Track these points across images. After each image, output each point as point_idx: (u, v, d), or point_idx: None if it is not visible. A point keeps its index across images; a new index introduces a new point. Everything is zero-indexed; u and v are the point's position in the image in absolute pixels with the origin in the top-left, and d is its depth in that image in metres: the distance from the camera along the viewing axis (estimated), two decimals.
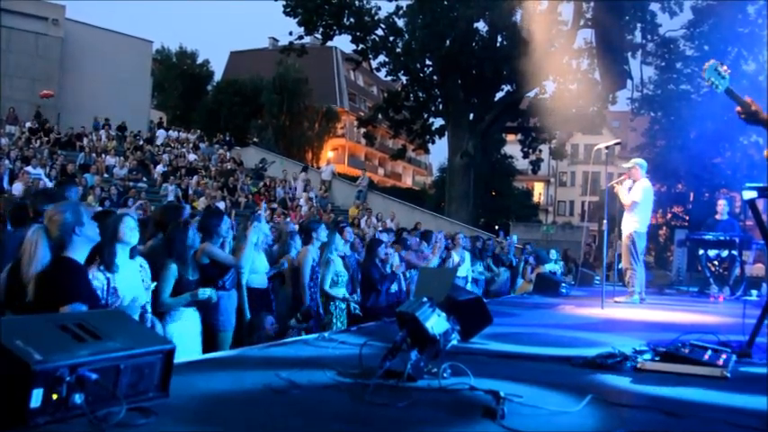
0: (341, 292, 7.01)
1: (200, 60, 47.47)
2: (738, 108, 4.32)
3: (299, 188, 24.44)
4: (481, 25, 27.25)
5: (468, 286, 9.53)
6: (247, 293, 5.97)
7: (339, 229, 7.62)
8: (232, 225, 6.68)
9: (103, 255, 4.03)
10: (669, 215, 28.70)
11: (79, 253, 3.46)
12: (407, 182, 59.54)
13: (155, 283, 4.65)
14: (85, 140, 24.31)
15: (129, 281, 4.21)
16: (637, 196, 8.56)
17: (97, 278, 3.97)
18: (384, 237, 9.15)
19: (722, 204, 11.35)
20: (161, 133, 29.38)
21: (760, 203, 4.58)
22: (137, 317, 4.15)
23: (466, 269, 10.02)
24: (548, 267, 11.67)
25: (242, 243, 6.09)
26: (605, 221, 8.39)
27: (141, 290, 4.29)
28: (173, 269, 4.83)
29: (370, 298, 7.53)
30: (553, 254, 12.26)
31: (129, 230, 4.22)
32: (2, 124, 23.79)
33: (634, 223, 8.61)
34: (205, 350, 4.94)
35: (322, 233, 6.89)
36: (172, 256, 4.88)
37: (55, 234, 3.43)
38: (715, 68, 4.37)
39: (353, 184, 26.90)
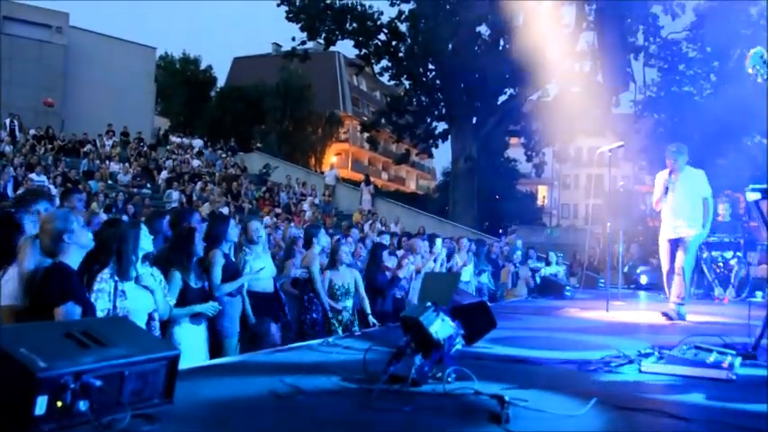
0: (341, 304, 6.73)
1: (203, 66, 47.43)
2: None
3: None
4: (483, 29, 27.26)
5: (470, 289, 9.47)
6: (252, 298, 5.74)
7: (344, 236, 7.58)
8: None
9: (121, 261, 4.06)
10: None
11: (72, 258, 3.49)
12: (411, 186, 59.42)
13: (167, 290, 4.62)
14: (89, 147, 24.35)
15: (138, 288, 4.20)
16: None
17: (105, 280, 3.99)
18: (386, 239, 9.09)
19: (723, 206, 11.25)
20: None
21: (764, 204, 4.57)
22: (143, 324, 4.14)
23: (469, 273, 9.98)
24: (551, 270, 11.64)
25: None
26: (609, 224, 8.34)
27: (149, 297, 4.26)
28: (176, 277, 4.78)
29: (376, 303, 7.50)
30: (553, 257, 12.21)
31: (145, 238, 4.25)
32: (10, 132, 23.81)
33: None
34: (210, 356, 4.92)
35: (323, 238, 6.86)
36: (174, 264, 4.83)
37: (46, 241, 3.49)
38: (761, 56, 3.99)
39: (357, 189, 26.88)
